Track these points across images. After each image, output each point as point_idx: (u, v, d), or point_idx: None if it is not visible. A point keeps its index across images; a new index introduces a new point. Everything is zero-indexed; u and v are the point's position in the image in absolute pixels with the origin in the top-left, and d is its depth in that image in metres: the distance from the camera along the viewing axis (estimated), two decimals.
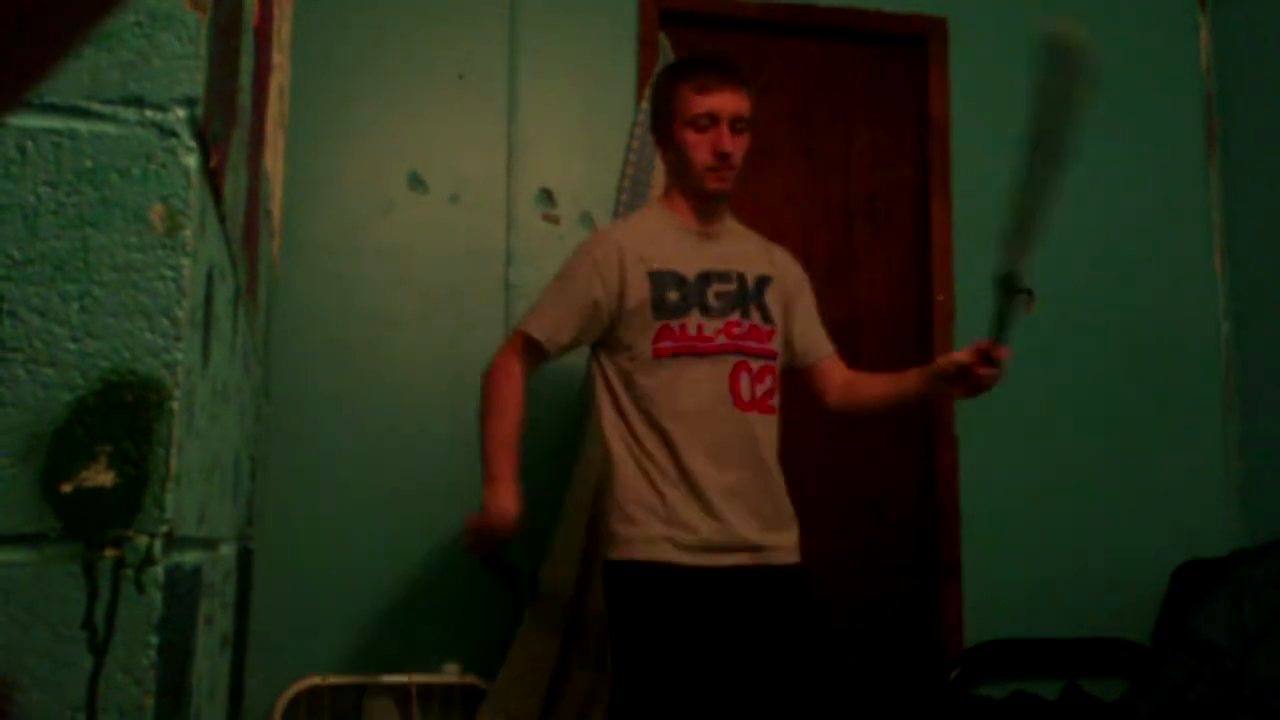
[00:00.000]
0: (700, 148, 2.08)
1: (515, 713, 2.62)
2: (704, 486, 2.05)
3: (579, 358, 2.40)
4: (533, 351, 2.14)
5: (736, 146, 2.08)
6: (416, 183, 2.91)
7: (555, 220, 2.97)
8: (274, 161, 2.17)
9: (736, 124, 2.08)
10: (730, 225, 2.23)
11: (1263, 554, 2.83)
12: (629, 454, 2.12)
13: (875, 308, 3.15)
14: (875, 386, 2.25)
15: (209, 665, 1.17)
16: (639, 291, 2.08)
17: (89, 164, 0.77)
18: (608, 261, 2.10)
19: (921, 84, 3.23)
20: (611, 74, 3.04)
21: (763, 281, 2.16)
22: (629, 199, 2.94)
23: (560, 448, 2.92)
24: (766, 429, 2.12)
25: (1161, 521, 3.17)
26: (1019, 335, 3.19)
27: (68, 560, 0.75)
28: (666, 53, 3.02)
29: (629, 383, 2.11)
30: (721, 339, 2.08)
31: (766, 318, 2.14)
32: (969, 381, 2.06)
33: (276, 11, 1.92)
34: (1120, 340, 3.24)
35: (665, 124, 2.13)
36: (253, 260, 1.51)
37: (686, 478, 2.05)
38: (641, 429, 2.10)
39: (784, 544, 2.12)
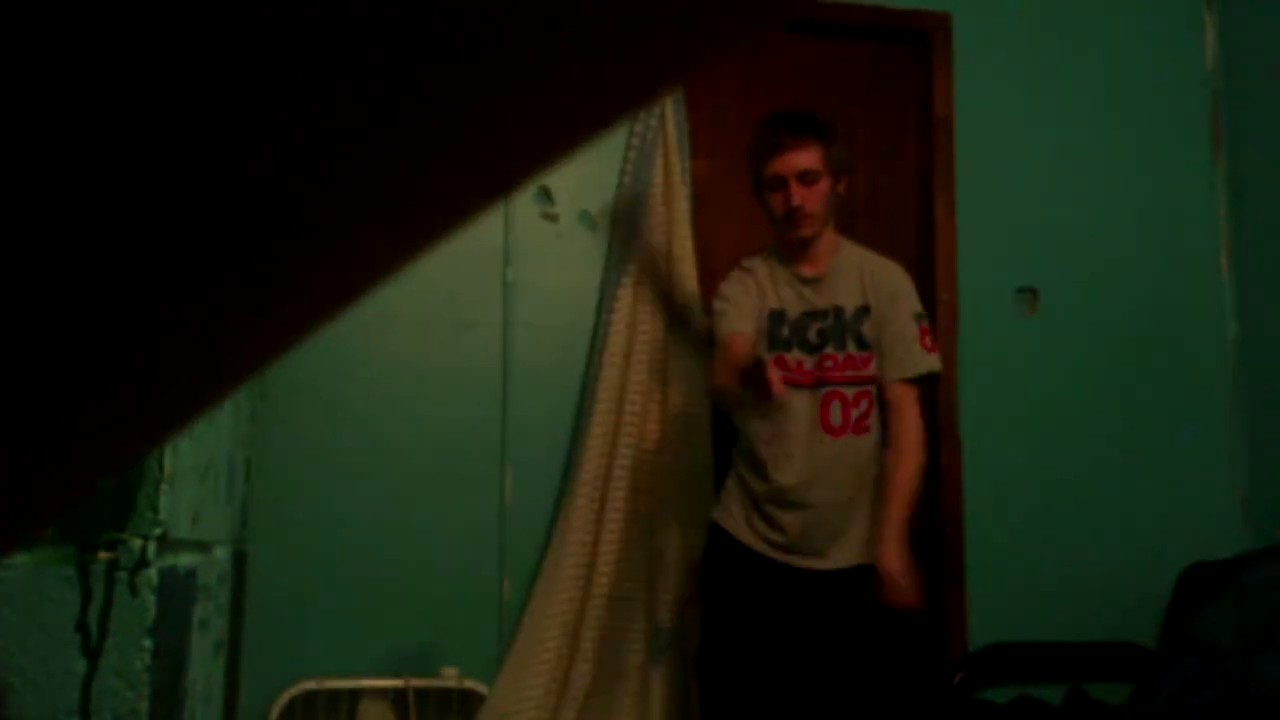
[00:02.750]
0: (776, 204, 2.34)
1: (514, 717, 2.61)
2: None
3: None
4: None
5: (805, 199, 2.30)
6: None
7: (554, 218, 2.96)
8: None
9: (806, 177, 2.30)
10: (840, 261, 2.40)
11: (1268, 557, 2.82)
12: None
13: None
14: (883, 478, 2.37)
15: (203, 669, 1.16)
16: (762, 325, 2.39)
17: None
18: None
19: (925, 81, 3.23)
20: None
21: (863, 312, 2.36)
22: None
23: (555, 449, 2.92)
24: (855, 451, 2.35)
25: (1167, 524, 3.17)
26: (1024, 337, 3.20)
27: (61, 563, 0.73)
28: None
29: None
30: (819, 372, 2.34)
31: (863, 345, 2.35)
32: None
33: None
34: (1126, 342, 3.23)
35: (754, 181, 2.40)
36: None
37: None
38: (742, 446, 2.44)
39: (841, 550, 2.34)
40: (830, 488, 2.32)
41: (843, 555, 2.34)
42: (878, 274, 2.40)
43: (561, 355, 2.91)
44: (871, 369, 2.35)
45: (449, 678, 2.68)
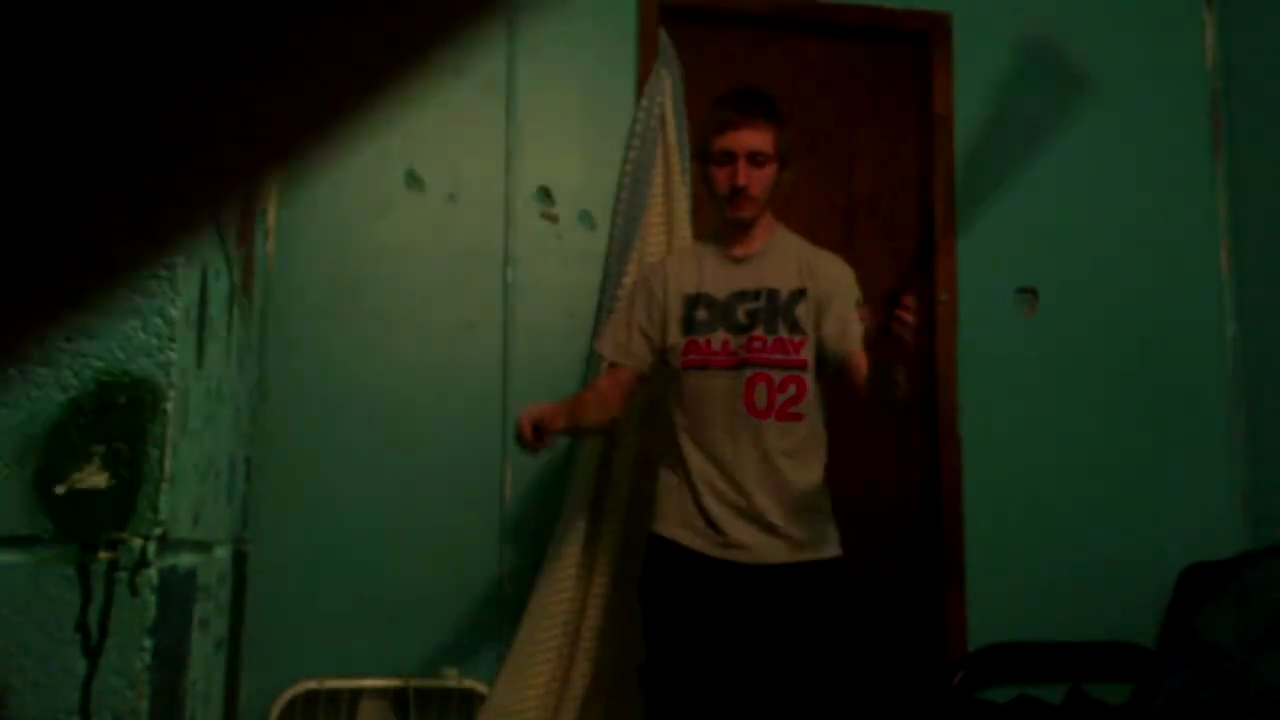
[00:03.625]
0: (720, 181, 2.30)
1: (514, 717, 2.61)
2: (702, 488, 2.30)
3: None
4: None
5: (752, 179, 2.28)
6: (413, 181, 2.90)
7: (554, 219, 2.96)
8: None
9: (756, 158, 2.28)
10: (774, 243, 2.38)
11: (1268, 556, 2.82)
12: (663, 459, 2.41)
13: (878, 306, 3.14)
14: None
15: (203, 669, 1.16)
16: (676, 311, 2.37)
17: None
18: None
19: (925, 81, 3.23)
20: (611, 71, 3.03)
21: (797, 295, 2.31)
22: (629, 197, 2.93)
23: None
24: (781, 435, 2.27)
25: (1167, 524, 3.17)
26: (1024, 338, 3.20)
27: (61, 563, 0.74)
28: (667, 49, 3.01)
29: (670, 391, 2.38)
30: (744, 353, 2.28)
31: (796, 328, 2.29)
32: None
33: None
34: (1125, 341, 3.23)
35: (699, 157, 2.38)
36: (248, 259, 1.50)
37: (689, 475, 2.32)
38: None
39: (777, 542, 2.26)
40: (754, 475, 2.24)
41: (775, 551, 2.24)
42: (817, 261, 2.36)
43: (561, 355, 2.91)
44: (803, 353, 2.28)
45: (449, 678, 2.68)
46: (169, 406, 0.76)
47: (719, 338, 2.29)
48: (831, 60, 3.22)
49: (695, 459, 2.29)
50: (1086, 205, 3.27)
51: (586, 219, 2.97)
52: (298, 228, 2.80)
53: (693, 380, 2.31)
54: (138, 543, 0.73)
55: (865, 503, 3.06)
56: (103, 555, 0.74)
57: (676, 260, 2.46)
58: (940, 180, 3.17)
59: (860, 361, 2.23)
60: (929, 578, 3.07)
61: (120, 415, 0.75)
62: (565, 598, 2.70)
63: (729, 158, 2.27)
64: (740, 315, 2.30)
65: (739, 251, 2.35)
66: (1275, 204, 3.21)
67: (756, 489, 2.24)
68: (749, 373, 2.27)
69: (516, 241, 2.93)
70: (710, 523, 2.26)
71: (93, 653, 0.74)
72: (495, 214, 2.93)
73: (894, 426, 3.04)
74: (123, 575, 0.74)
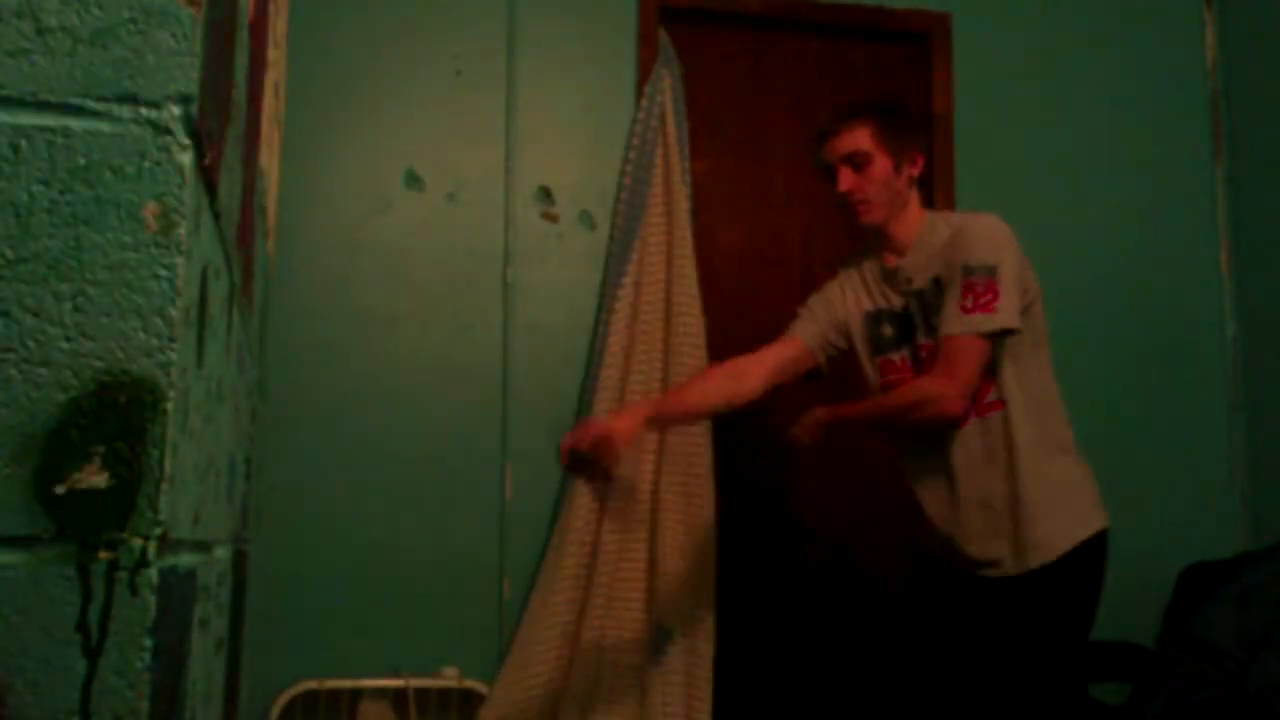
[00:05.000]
0: (835, 195, 2.15)
1: (514, 717, 2.61)
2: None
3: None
4: None
5: (854, 184, 2.12)
6: (414, 180, 2.90)
7: (554, 218, 2.96)
8: (270, 159, 2.16)
9: (854, 160, 2.12)
10: (920, 240, 2.16)
11: (1268, 556, 2.82)
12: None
13: None
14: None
15: (204, 669, 1.16)
16: (860, 330, 2.24)
17: (82, 162, 0.76)
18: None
19: (925, 81, 3.23)
20: (611, 71, 3.03)
21: (935, 285, 2.11)
22: (629, 197, 2.93)
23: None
24: (975, 434, 2.10)
25: (1167, 524, 3.17)
26: None
27: (61, 563, 0.74)
28: (667, 49, 3.01)
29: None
30: (915, 366, 2.14)
31: (931, 330, 2.11)
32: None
33: (272, 8, 1.91)
34: (1125, 341, 3.23)
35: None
36: (248, 259, 1.50)
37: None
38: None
39: (996, 557, 2.10)
40: (962, 482, 2.09)
41: (999, 556, 2.10)
42: (953, 239, 2.11)
43: (561, 355, 2.91)
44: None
45: (449, 678, 2.68)
46: (169, 406, 0.76)
47: (899, 355, 2.15)
48: (831, 60, 3.22)
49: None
50: (1086, 205, 3.27)
51: (586, 219, 2.97)
52: (299, 227, 2.80)
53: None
54: (138, 543, 0.74)
55: (866, 502, 3.06)
56: (103, 555, 0.74)
57: (846, 278, 2.28)
58: (939, 180, 3.17)
59: (940, 351, 2.03)
60: None
61: (120, 415, 0.75)
62: (565, 598, 2.70)
63: (830, 171, 2.15)
64: (905, 326, 2.15)
65: (890, 261, 2.17)
66: (1275, 204, 3.22)
67: (965, 494, 2.12)
68: None
69: (516, 241, 2.93)
70: (936, 535, 2.18)
71: (93, 653, 0.74)
72: (495, 214, 2.93)
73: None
74: (123, 575, 0.74)
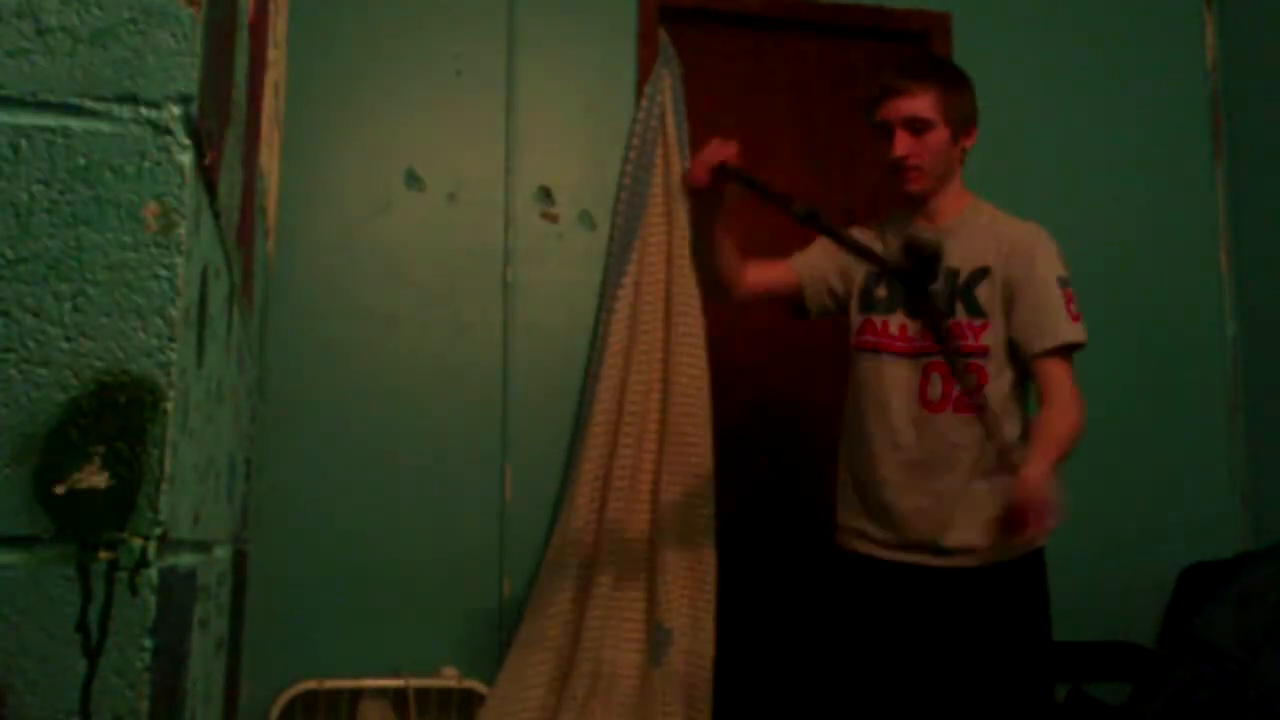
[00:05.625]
0: (882, 154, 2.11)
1: (514, 717, 2.61)
2: (882, 486, 2.12)
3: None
4: None
5: (911, 149, 2.07)
6: (414, 180, 2.90)
7: (554, 218, 2.96)
8: (270, 159, 2.16)
9: (915, 125, 2.07)
10: (963, 219, 2.14)
11: (1269, 556, 2.82)
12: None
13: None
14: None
15: (204, 669, 1.16)
16: (859, 281, 2.19)
17: (82, 162, 0.76)
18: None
19: None
20: (611, 71, 3.03)
21: (980, 274, 2.08)
22: (629, 197, 2.93)
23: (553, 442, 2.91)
24: (957, 429, 2.07)
25: (1167, 524, 3.17)
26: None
27: (61, 562, 0.74)
28: (667, 49, 3.01)
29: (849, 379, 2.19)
30: (920, 340, 2.08)
31: (975, 311, 2.07)
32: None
33: (272, 7, 1.91)
34: (1125, 340, 3.23)
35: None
36: (248, 259, 1.50)
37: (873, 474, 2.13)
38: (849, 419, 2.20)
39: (958, 546, 2.09)
40: (928, 473, 2.07)
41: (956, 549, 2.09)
42: (1011, 235, 2.11)
43: (561, 355, 2.91)
44: (985, 339, 2.06)
45: (449, 678, 2.68)
46: (169, 406, 0.76)
47: (896, 321, 2.10)
48: (832, 60, 3.22)
49: (872, 450, 2.12)
50: (1086, 205, 3.27)
51: (586, 219, 2.97)
52: (299, 227, 2.80)
53: (865, 364, 2.15)
54: (138, 543, 0.74)
55: None
56: (103, 555, 0.74)
57: (863, 232, 2.21)
58: None
59: (1049, 372, 2.00)
60: None
61: (120, 415, 0.75)
62: (565, 598, 2.70)
63: (887, 129, 2.08)
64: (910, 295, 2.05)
65: (928, 224, 2.13)
66: (1275, 202, 3.21)
67: (929, 484, 2.10)
68: (925, 361, 2.07)
69: (516, 241, 2.93)
70: (885, 523, 2.12)
71: (93, 653, 0.74)
72: (495, 214, 2.93)
73: None
74: (123, 575, 0.74)
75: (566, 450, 2.85)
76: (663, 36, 3.02)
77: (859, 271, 2.19)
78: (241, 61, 1.21)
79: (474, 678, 2.70)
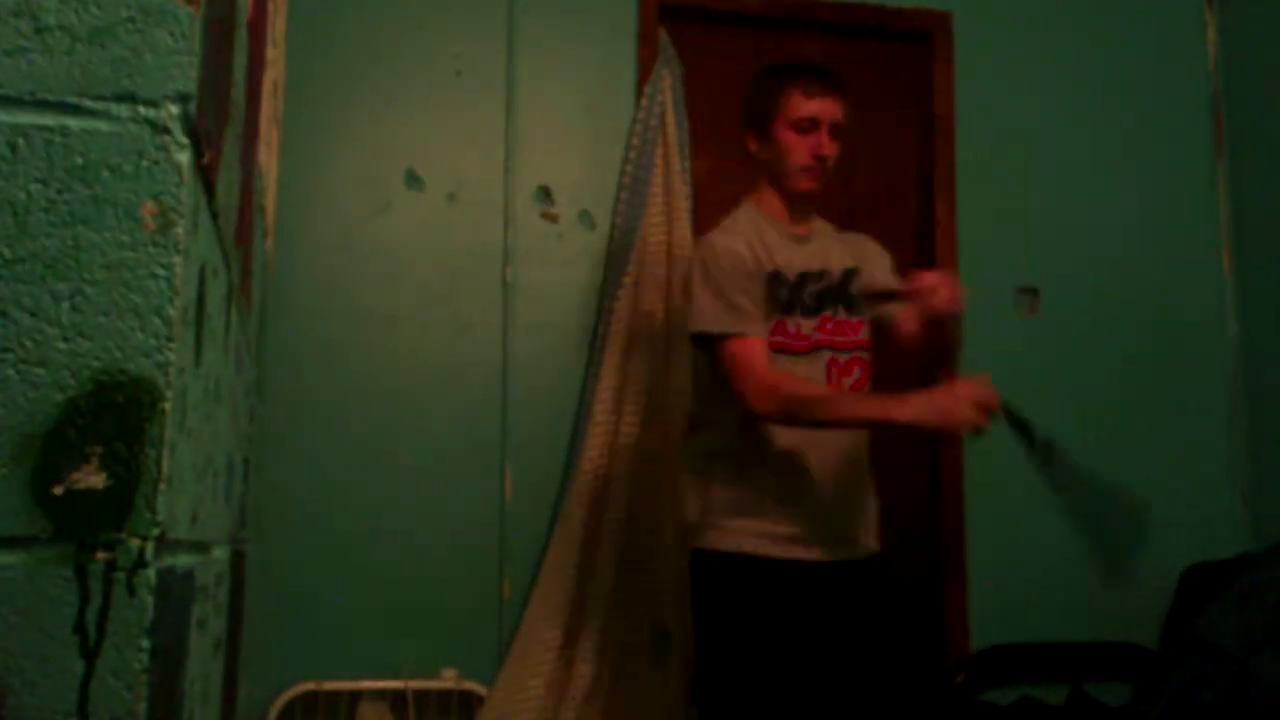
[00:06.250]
0: (799, 149, 2.16)
1: (514, 718, 2.61)
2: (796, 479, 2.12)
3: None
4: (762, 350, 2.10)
5: (833, 151, 2.16)
6: (413, 180, 2.90)
7: (554, 218, 2.96)
8: (269, 158, 2.16)
9: (836, 129, 2.17)
10: (819, 224, 2.29)
11: (1270, 557, 2.82)
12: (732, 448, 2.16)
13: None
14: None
15: (202, 669, 1.16)
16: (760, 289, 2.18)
17: (80, 161, 0.76)
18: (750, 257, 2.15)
19: (925, 81, 3.23)
20: (611, 71, 3.03)
21: (851, 274, 2.22)
22: (629, 197, 2.93)
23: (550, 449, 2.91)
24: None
25: (1168, 524, 3.16)
26: (1024, 338, 3.19)
27: (59, 563, 0.73)
28: (667, 49, 3.01)
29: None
30: (817, 336, 2.15)
31: (853, 308, 2.20)
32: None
33: (271, 6, 1.91)
34: (1127, 341, 3.23)
35: (764, 122, 2.19)
36: (246, 258, 1.50)
37: (781, 471, 2.12)
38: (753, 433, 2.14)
39: (864, 535, 2.20)
40: (834, 470, 2.14)
41: (859, 545, 2.17)
42: (854, 239, 2.31)
43: (561, 355, 2.90)
44: (863, 334, 2.20)
45: (449, 678, 2.68)
46: (167, 406, 0.75)
47: (794, 320, 2.14)
48: (831, 60, 3.21)
49: (783, 458, 2.12)
50: (1087, 205, 3.27)
51: (586, 219, 2.97)
52: (298, 226, 2.80)
53: (787, 368, 2.13)
54: (135, 543, 0.73)
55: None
56: (100, 556, 0.73)
57: (743, 234, 2.18)
58: (940, 180, 3.17)
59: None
60: (930, 577, 3.07)
61: (118, 415, 0.75)
62: (565, 598, 2.70)
63: (813, 125, 2.14)
64: (808, 297, 2.16)
65: (801, 230, 2.21)
66: (1275, 204, 3.21)
67: (837, 482, 2.16)
68: (826, 356, 2.15)
69: (516, 241, 2.93)
70: (787, 521, 2.12)
71: (90, 653, 0.74)
72: (495, 214, 2.93)
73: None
74: (120, 576, 0.74)
75: (566, 450, 2.85)
76: (663, 36, 3.02)
77: (759, 281, 2.14)
78: (240, 61, 1.20)
79: (474, 678, 2.70)
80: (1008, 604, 3.04)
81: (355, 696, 2.65)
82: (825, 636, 2.12)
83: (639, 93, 2.99)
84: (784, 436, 2.10)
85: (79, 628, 0.72)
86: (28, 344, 0.74)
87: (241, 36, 1.22)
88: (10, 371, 0.73)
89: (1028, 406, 3.15)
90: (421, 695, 2.65)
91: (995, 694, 2.97)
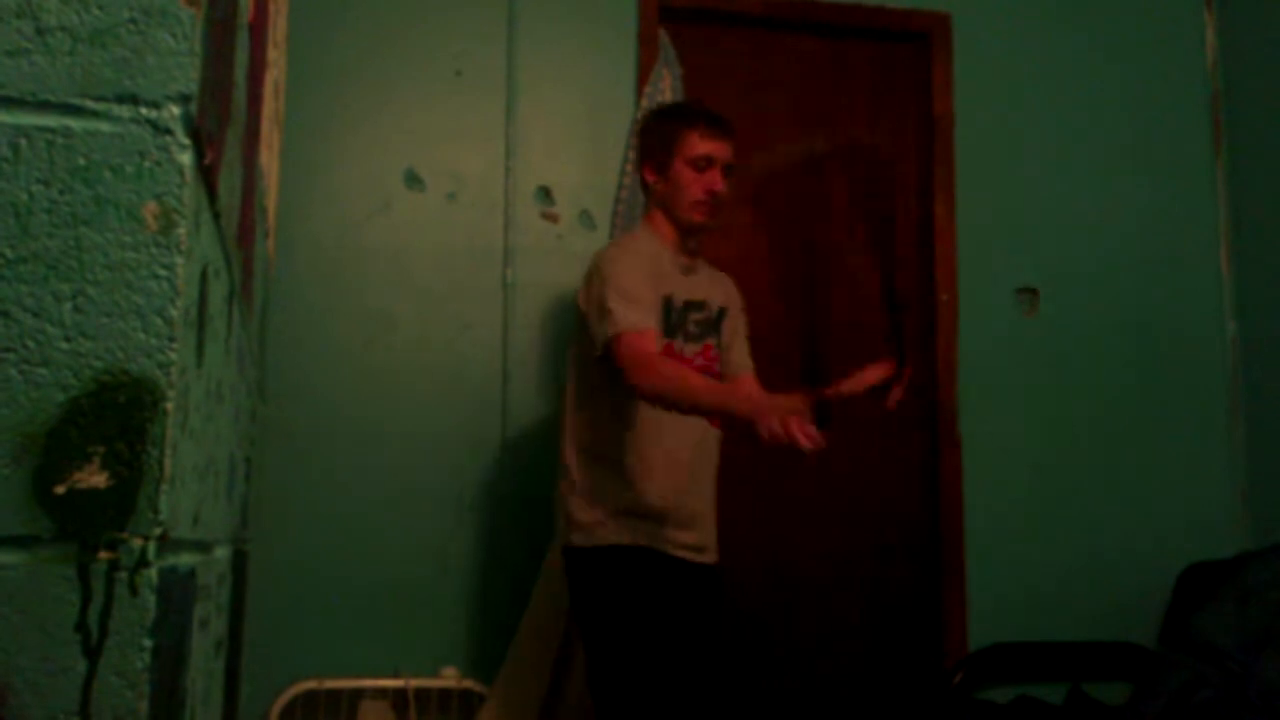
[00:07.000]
0: (695, 186, 2.32)
1: (514, 717, 2.61)
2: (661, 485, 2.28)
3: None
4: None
5: (724, 188, 2.34)
6: (414, 180, 2.90)
7: (554, 218, 2.96)
8: (269, 159, 2.16)
9: (728, 169, 2.35)
10: (702, 261, 2.45)
11: (1269, 557, 2.82)
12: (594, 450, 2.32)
13: (877, 307, 3.14)
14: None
15: (203, 669, 1.16)
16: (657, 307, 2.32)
17: (82, 161, 0.76)
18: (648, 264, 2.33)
19: (925, 81, 3.23)
20: (611, 71, 3.03)
21: (723, 312, 2.43)
22: (629, 196, 2.93)
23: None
24: (717, 440, 2.38)
25: (1167, 523, 3.17)
26: (1024, 338, 3.20)
27: (61, 562, 0.74)
28: (667, 49, 3.01)
29: (615, 385, 2.19)
30: (700, 361, 2.34)
31: (720, 344, 2.42)
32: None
33: (272, 7, 1.91)
34: (1125, 340, 3.23)
35: (664, 158, 2.35)
36: (248, 259, 1.50)
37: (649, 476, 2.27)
38: (615, 427, 2.28)
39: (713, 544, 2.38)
40: (703, 480, 2.35)
41: (714, 549, 2.37)
42: (722, 277, 2.49)
43: (561, 355, 2.90)
44: (718, 367, 2.41)
45: (449, 678, 2.68)
46: (169, 406, 0.76)
47: (679, 344, 2.32)
48: (831, 60, 3.22)
49: (647, 474, 2.27)
50: (1087, 205, 3.27)
51: (586, 219, 2.97)
52: (298, 227, 2.80)
53: None
54: (137, 543, 0.73)
55: (865, 503, 3.06)
56: (103, 555, 0.74)
57: (642, 253, 2.33)
58: (940, 180, 3.17)
59: (746, 380, 2.43)
60: (929, 577, 3.07)
61: (120, 415, 0.75)
62: (565, 598, 2.69)
63: (709, 163, 2.31)
64: (692, 325, 2.36)
65: (687, 261, 2.38)
66: (1275, 203, 3.21)
67: (702, 490, 2.35)
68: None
69: (516, 241, 2.93)
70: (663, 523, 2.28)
71: (92, 653, 0.74)
72: (495, 214, 2.93)
73: (895, 427, 3.04)
74: (122, 575, 0.74)
75: None
76: (663, 36, 3.02)
77: (657, 299, 2.30)
78: (241, 61, 1.21)
79: (474, 678, 2.70)
80: (1006, 603, 3.04)
81: (356, 695, 2.65)
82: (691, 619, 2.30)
83: (639, 93, 3.00)
84: (643, 426, 2.26)
85: (81, 627, 0.72)
86: (30, 344, 0.74)
87: (243, 37, 1.22)
88: (13, 371, 0.74)
89: (1028, 406, 3.17)
90: (422, 694, 2.65)
91: (994, 693, 2.98)
